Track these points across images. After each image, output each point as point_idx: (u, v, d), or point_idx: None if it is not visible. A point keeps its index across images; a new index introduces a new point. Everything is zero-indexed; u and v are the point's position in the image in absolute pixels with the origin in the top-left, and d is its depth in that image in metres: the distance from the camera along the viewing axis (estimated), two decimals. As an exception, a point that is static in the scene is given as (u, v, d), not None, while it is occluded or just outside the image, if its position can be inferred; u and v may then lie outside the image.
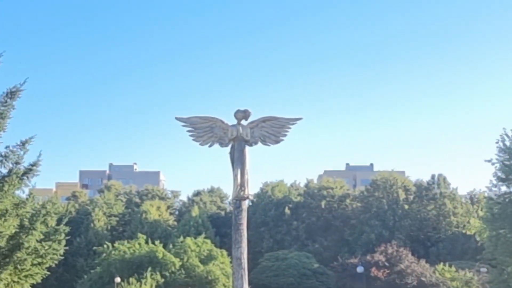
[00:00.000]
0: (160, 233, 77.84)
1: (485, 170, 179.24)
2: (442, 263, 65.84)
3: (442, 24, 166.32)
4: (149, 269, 59.65)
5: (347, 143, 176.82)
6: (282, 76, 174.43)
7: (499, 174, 45.06)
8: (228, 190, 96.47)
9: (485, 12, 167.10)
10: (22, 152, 26.91)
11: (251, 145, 22.63)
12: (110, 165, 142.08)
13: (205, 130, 22.64)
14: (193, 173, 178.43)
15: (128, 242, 65.86)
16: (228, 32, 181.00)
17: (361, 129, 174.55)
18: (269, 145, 22.79)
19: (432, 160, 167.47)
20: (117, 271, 60.88)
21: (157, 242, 65.29)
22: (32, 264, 27.93)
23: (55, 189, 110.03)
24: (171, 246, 66.43)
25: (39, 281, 29.10)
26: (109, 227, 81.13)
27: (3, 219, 26.10)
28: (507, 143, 45.10)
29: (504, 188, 45.24)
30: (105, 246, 66.03)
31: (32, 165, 27.32)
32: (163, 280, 60.03)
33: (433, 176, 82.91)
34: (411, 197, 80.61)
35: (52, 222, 30.13)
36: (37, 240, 28.04)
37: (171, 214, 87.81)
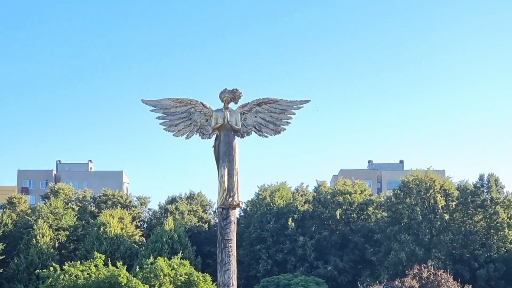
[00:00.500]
0: (123, 252, 77.88)
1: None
2: (493, 290, 65.85)
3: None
4: (110, 299, 59.70)
5: (370, 135, 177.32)
6: (286, 52, 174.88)
7: None
8: (213, 195, 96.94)
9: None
10: None
11: (242, 136, 22.79)
12: (58, 164, 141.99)
13: (180, 117, 22.73)
14: (166, 173, 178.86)
15: (81, 264, 65.72)
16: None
17: (387, 117, 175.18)
18: (266, 136, 23.04)
19: (480, 157, 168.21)
20: (67, 301, 60.94)
21: (119, 264, 65.17)
22: None
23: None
24: (137, 268, 66.42)
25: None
26: (56, 244, 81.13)
27: None
28: None
29: None
30: (51, 268, 65.89)
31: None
32: (127, 313, 60.13)
33: (481, 177, 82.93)
34: (453, 204, 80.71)
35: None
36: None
37: (137, 227, 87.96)
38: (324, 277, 75.79)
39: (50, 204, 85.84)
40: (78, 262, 67.21)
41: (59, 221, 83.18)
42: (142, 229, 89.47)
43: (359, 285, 70.07)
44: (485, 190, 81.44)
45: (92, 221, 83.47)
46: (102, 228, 79.41)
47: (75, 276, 63.55)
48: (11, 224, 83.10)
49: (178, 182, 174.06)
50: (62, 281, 63.24)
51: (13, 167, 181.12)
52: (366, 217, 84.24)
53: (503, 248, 78.33)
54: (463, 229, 78.92)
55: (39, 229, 79.43)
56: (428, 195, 79.53)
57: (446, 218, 78.92)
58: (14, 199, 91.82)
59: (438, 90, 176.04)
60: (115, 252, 77.10)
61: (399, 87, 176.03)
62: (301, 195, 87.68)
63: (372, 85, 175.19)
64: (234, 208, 22.20)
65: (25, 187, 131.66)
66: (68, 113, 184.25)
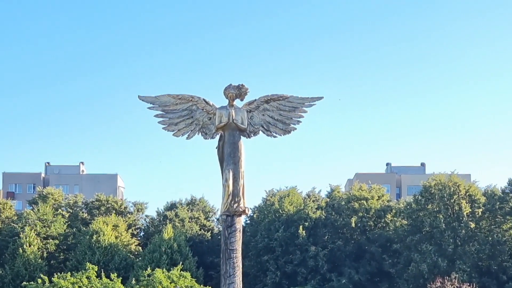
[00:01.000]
0: (118, 263, 77.89)
1: None
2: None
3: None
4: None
5: (388, 135, 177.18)
6: (297, 46, 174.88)
7: None
8: (216, 201, 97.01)
9: None
10: None
11: (248, 136, 22.94)
12: (47, 166, 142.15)
13: (181, 115, 22.85)
14: (164, 177, 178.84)
15: (72, 276, 65.77)
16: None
17: (407, 116, 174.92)
18: (275, 136, 23.17)
19: (509, 160, 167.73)
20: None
21: (113, 276, 65.20)
22: None
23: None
24: (133, 281, 66.46)
25: None
26: (45, 254, 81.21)
27: None
28: None
29: None
30: (39, 281, 65.99)
31: None
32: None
33: (510, 182, 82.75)
34: (480, 211, 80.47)
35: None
36: None
37: (133, 235, 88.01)
38: (338, 290, 75.87)
39: (38, 210, 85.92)
40: (69, 273, 67.26)
41: (47, 229, 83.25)
42: (139, 238, 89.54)
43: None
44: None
45: (84, 229, 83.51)
46: (94, 237, 79.43)
47: (66, 289, 63.59)
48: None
49: (178, 186, 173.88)
50: (51, 295, 63.32)
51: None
52: (384, 225, 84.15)
53: (534, 260, 78.13)
54: (490, 238, 78.74)
55: (26, 238, 79.52)
56: (452, 201, 79.33)
57: (472, 227, 78.74)
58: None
59: (464, 86, 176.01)
60: (109, 263, 77.12)
61: (420, 84, 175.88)
62: (313, 201, 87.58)
63: (391, 81, 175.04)
64: (240, 215, 22.29)
65: (10, 191, 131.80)
66: (58, 111, 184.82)
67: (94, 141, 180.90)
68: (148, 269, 68.29)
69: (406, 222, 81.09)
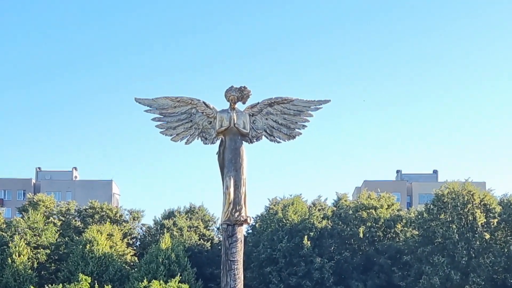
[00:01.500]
0: (112, 274, 77.94)
1: None
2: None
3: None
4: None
5: (398, 140, 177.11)
6: (302, 46, 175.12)
7: None
8: (216, 210, 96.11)
9: None
10: None
11: (251, 141, 23.03)
12: (38, 171, 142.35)
13: (179, 119, 22.95)
14: (162, 184, 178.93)
15: (64, 287, 65.72)
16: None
17: (418, 120, 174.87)
18: (279, 142, 23.25)
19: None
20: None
21: (108, 287, 65.10)
22: None
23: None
24: (129, 293, 66.42)
25: None
26: (35, 264, 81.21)
27: None
28: None
29: None
30: (29, 292, 65.92)
31: None
32: None
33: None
34: (495, 221, 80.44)
35: None
36: None
37: (129, 245, 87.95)
38: (345, 304, 75.96)
39: (28, 218, 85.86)
40: (60, 285, 67.33)
41: (38, 238, 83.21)
42: (135, 248, 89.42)
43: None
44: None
45: (77, 238, 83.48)
46: (88, 246, 79.40)
47: (57, 301, 63.64)
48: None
49: (176, 193, 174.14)
50: (41, 307, 63.39)
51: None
52: (394, 235, 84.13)
53: (552, 273, 78.04)
54: (506, 250, 78.62)
55: (15, 247, 79.51)
56: (465, 210, 79.34)
57: (487, 238, 78.67)
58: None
59: (478, 90, 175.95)
60: (103, 274, 77.10)
61: (432, 87, 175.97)
62: (319, 210, 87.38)
63: (402, 84, 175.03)
64: (241, 224, 22.39)
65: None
66: (49, 113, 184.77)
67: (88, 145, 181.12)
68: (144, 280, 68.26)
69: (417, 232, 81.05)
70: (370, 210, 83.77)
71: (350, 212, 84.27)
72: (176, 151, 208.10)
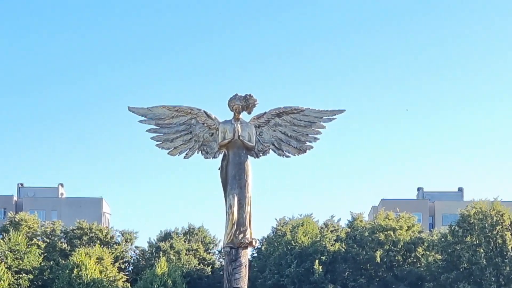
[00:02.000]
0: (105, 301, 77.13)
1: None
2: None
3: None
4: None
5: (420, 155, 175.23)
6: (312, 52, 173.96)
7: None
8: (218, 231, 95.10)
9: None
10: None
11: (257, 155, 22.65)
12: (20, 188, 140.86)
13: (178, 130, 22.62)
14: (158, 202, 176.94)
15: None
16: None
17: (442, 133, 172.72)
18: (288, 156, 22.86)
19: None
20: None
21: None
22: None
23: None
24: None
25: None
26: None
27: None
28: None
29: None
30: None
31: None
32: None
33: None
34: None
35: None
36: None
37: (121, 270, 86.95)
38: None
39: (10, 239, 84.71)
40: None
41: (20, 262, 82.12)
42: (127, 273, 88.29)
43: None
44: None
45: (63, 261, 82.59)
46: (75, 271, 78.51)
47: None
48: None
49: (173, 213, 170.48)
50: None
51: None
52: (415, 260, 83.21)
53: None
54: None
55: (-4, 272, 78.46)
56: (494, 233, 78.48)
57: (518, 263, 77.82)
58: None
59: (506, 102, 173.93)
60: (94, 302, 76.33)
61: (457, 98, 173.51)
62: (331, 231, 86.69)
63: (423, 93, 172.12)
64: (246, 247, 22.14)
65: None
66: (33, 123, 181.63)
67: (76, 159, 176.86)
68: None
69: (440, 257, 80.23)
70: (388, 231, 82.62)
71: (366, 234, 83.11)
72: (173, 166, 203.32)
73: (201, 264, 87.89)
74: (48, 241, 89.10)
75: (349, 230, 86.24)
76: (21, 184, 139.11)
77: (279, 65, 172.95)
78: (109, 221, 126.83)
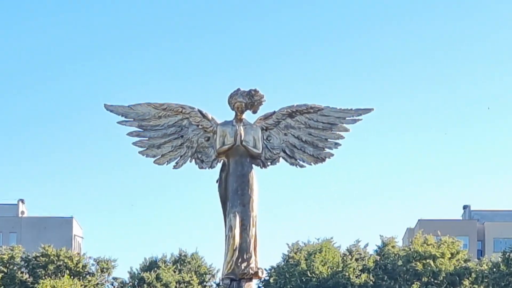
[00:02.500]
0: None
1: None
2: None
3: None
4: None
5: (466, 167, 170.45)
6: (333, 42, 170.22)
7: None
8: (216, 259, 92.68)
9: None
10: None
11: (264, 165, 21.24)
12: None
13: (166, 134, 21.26)
14: (141, 223, 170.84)
15: None
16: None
17: (494, 142, 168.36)
18: (303, 166, 21.40)
19: None
20: None
21: None
22: None
23: None
24: None
25: None
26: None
27: None
28: None
29: None
30: None
31: None
32: None
33: None
34: None
35: None
36: None
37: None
38: None
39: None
40: None
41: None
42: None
43: None
44: None
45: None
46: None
47: None
48: None
49: (160, 236, 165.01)
50: None
51: None
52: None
53: None
54: None
55: None
56: None
57: None
58: None
59: None
60: None
61: (507, 103, 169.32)
62: (357, 260, 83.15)
63: (470, 96, 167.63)
64: (250, 278, 20.35)
65: None
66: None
67: (39, 171, 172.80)
68: None
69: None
70: (427, 260, 79.59)
71: (400, 263, 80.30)
72: (161, 178, 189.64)
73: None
74: (5, 270, 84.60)
75: (378, 258, 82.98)
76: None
77: (291, 55, 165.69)
78: (81, 246, 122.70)
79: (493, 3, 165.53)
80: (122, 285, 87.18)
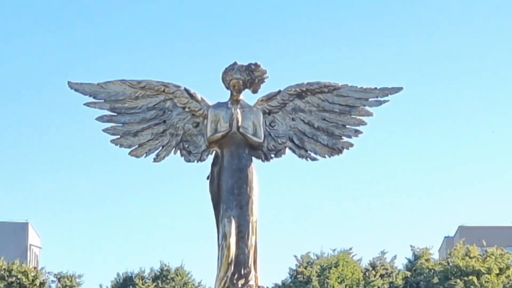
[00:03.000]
0: None
1: None
2: None
3: None
4: None
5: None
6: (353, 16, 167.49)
7: None
8: (206, 274, 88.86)
9: None
10: None
11: (266, 157, 19.60)
12: None
13: (144, 118, 19.53)
14: (113, 230, 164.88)
15: None
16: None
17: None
18: (315, 158, 19.77)
19: None
20: None
21: None
22: None
23: None
24: None
25: None
26: None
27: None
28: None
29: None
30: None
31: None
32: None
33: None
34: None
35: None
36: None
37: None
38: None
39: None
40: None
41: None
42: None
43: None
44: None
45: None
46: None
47: None
48: None
49: (137, 247, 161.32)
50: None
51: None
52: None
53: None
54: None
55: None
56: None
57: None
58: None
59: None
60: None
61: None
62: (382, 276, 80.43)
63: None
64: None
65: None
66: None
67: None
68: None
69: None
70: (470, 277, 76.96)
71: (436, 280, 77.36)
72: (138, 173, 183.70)
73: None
74: None
75: (409, 274, 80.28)
76: None
77: (299, 20, 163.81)
78: (38, 258, 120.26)
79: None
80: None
